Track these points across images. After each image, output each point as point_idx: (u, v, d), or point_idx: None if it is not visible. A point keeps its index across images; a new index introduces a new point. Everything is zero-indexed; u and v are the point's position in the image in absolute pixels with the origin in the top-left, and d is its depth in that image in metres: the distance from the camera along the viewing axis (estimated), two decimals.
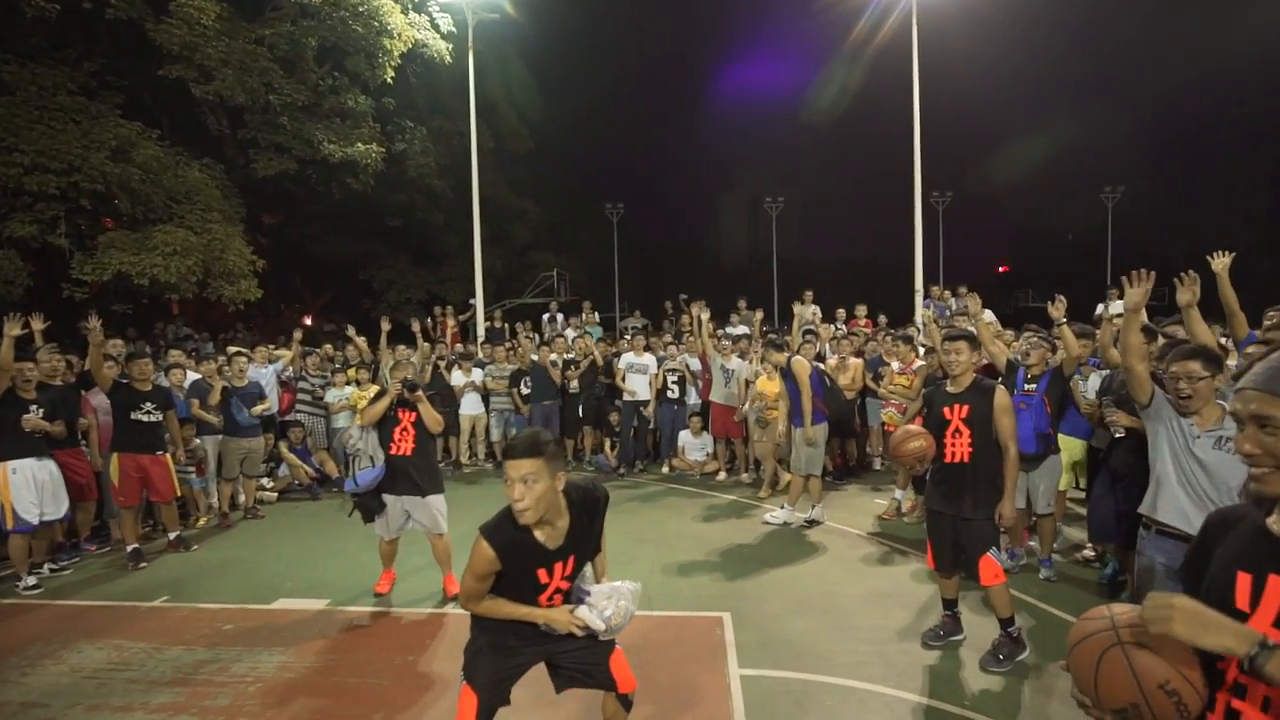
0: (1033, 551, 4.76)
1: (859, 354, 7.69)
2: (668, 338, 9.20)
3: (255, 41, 11.87)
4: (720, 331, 9.96)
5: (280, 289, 20.48)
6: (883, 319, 8.60)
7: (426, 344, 9.41)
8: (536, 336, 10.54)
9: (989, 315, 9.70)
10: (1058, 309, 4.39)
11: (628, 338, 9.02)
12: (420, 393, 4.29)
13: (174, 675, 3.56)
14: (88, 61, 11.15)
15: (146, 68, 11.68)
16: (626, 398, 8.15)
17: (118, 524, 5.64)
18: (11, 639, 4.09)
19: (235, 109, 12.57)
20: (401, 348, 8.15)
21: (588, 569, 2.28)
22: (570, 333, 11.00)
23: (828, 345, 7.91)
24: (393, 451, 4.28)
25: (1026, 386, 4.51)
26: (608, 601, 2.17)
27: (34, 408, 4.75)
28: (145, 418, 5.32)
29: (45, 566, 5.07)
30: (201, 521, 6.56)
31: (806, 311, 10.28)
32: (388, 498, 4.30)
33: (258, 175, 13.12)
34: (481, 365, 9.22)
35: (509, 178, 23.14)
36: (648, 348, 8.48)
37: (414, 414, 4.30)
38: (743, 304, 11.65)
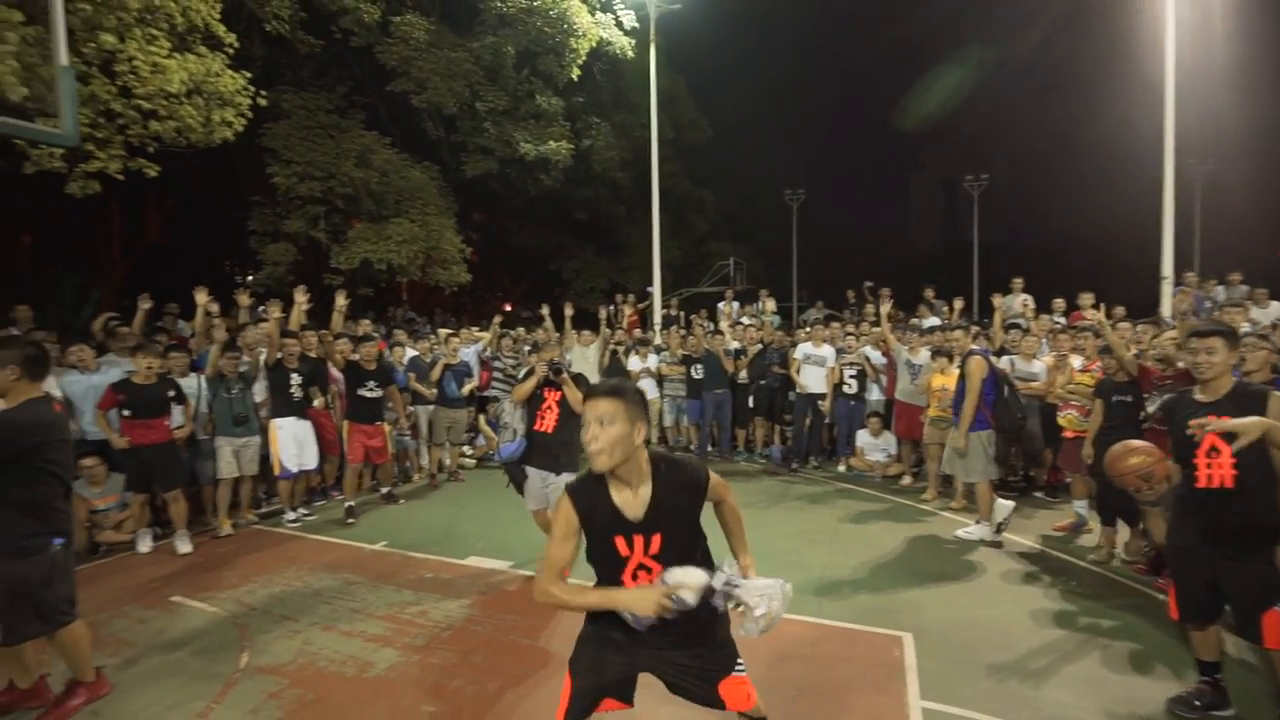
0: None
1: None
2: (848, 328, 8.64)
3: (462, 52, 13.22)
4: (913, 320, 9.16)
5: (486, 279, 22.82)
6: (1119, 310, 7.20)
7: (607, 330, 9.93)
8: (710, 324, 10.53)
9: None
10: None
11: (806, 329, 8.63)
12: (565, 374, 4.41)
13: (385, 611, 4.12)
14: (340, 85, 13.31)
15: (379, 85, 13.60)
16: (801, 390, 7.81)
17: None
18: (277, 560, 5.04)
19: (448, 116, 14.14)
20: (586, 333, 8.72)
21: (731, 563, 1.99)
22: (745, 320, 10.84)
23: (1043, 341, 6.87)
24: (536, 427, 4.46)
25: None
26: (760, 599, 1.87)
27: (295, 376, 5.78)
28: (368, 394, 6.12)
29: (299, 508, 6.13)
30: (415, 478, 7.56)
31: (1014, 303, 9.06)
32: (529, 469, 4.51)
33: (467, 176, 14.66)
34: (658, 351, 9.48)
35: (688, 168, 23.38)
36: (827, 339, 8.04)
37: (559, 394, 4.44)
38: (930, 293, 10.58)
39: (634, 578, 1.92)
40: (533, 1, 13.33)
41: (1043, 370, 6.21)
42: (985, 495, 5.23)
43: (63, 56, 4.69)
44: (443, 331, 9.21)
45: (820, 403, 7.72)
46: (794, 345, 8.26)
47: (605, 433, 1.80)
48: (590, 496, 1.90)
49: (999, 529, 5.13)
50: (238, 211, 12.46)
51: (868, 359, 7.78)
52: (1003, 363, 6.14)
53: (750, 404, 8.45)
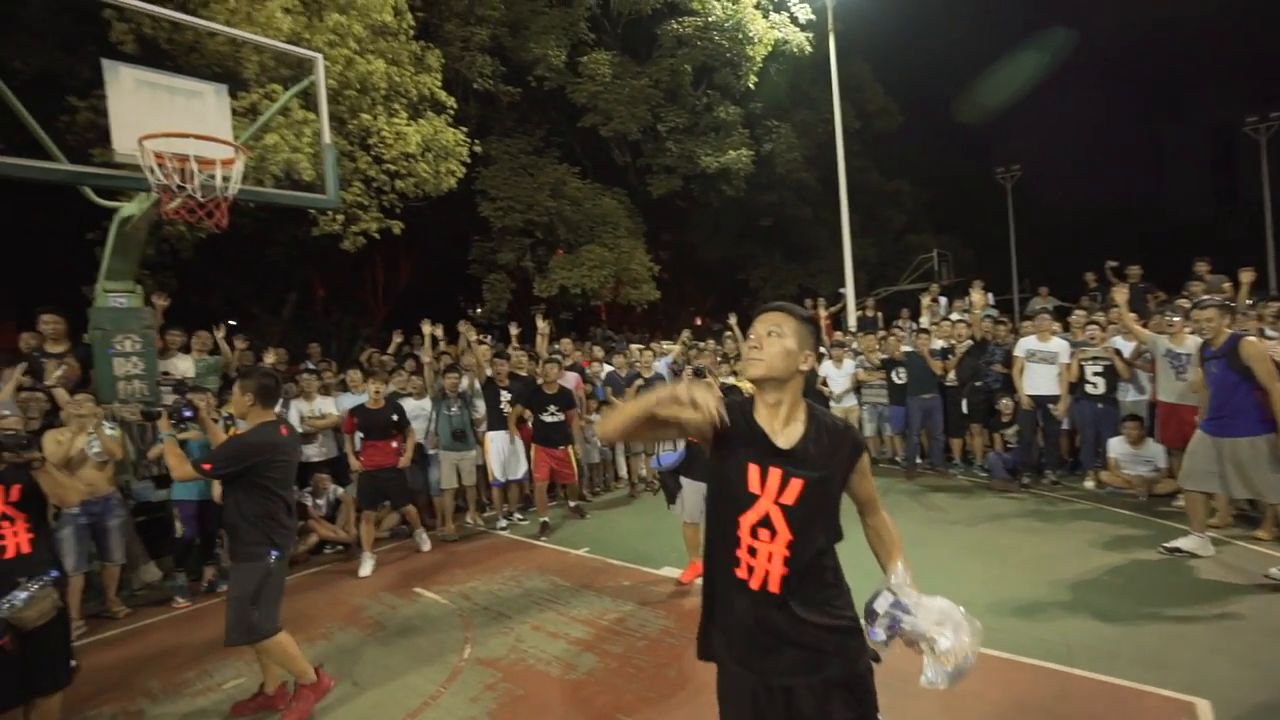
0: None
1: None
2: (1094, 316, 7.29)
3: (644, 80, 13.79)
4: (1180, 301, 7.47)
5: (677, 294, 23.48)
6: None
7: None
8: (913, 324, 9.64)
9: None
10: None
11: (1030, 320, 7.47)
12: (711, 381, 4.32)
13: (587, 615, 4.30)
14: (538, 129, 14.67)
15: (572, 123, 14.72)
16: (1028, 391, 6.75)
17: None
18: (496, 561, 5.55)
19: (633, 142, 14.82)
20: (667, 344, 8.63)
21: (901, 571, 1.70)
22: (955, 316, 9.74)
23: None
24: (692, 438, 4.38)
25: None
26: (940, 629, 1.46)
27: (505, 394, 6.38)
28: (549, 418, 6.36)
29: (514, 516, 6.67)
30: (614, 487, 7.92)
31: None
32: (686, 481, 4.38)
33: (653, 196, 15.21)
34: (854, 356, 8.91)
35: (879, 160, 21.83)
36: (1057, 330, 6.87)
37: None
38: (1203, 266, 8.45)
39: (753, 534, 1.64)
40: (708, 18, 13.51)
41: None
42: None
43: (326, 137, 5.77)
44: (634, 347, 9.58)
45: (1052, 406, 6.59)
46: (1014, 341, 7.19)
47: (771, 343, 1.66)
48: (733, 415, 1.68)
49: None
50: (463, 252, 14.29)
51: (1118, 352, 6.50)
52: None
53: (964, 409, 7.51)
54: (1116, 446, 6.40)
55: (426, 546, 5.84)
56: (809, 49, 14.45)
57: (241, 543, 3.16)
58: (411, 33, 10.19)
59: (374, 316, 17.93)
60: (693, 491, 4.39)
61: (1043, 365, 6.66)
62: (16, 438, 2.61)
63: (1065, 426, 6.84)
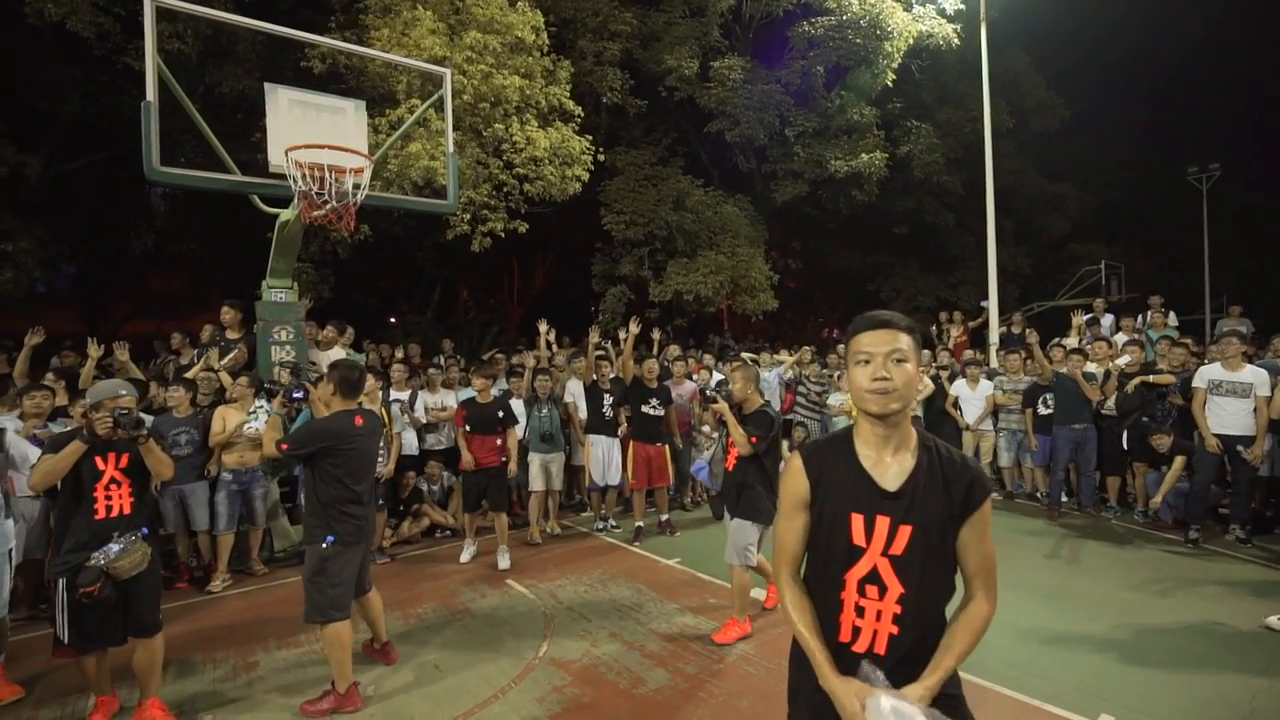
0: None
1: None
2: None
3: (773, 84, 13.44)
4: None
5: (806, 305, 22.67)
6: None
7: (926, 352, 8.84)
8: (1061, 344, 8.52)
9: None
10: None
11: (1217, 345, 6.31)
12: (722, 404, 4.05)
13: (666, 629, 4.18)
14: (664, 139, 14.77)
15: (699, 130, 14.68)
16: (1215, 430, 5.67)
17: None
18: (587, 562, 5.59)
19: (759, 147, 14.48)
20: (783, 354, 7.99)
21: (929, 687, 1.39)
22: (1120, 337, 8.50)
23: None
24: (725, 463, 4.14)
25: None
26: None
27: (608, 397, 6.42)
28: (651, 411, 6.29)
29: (608, 521, 6.65)
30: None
31: None
32: (730, 520, 4.08)
33: (777, 203, 14.77)
34: (991, 376, 8.05)
35: (1038, 161, 19.66)
36: (1251, 357, 5.75)
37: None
38: None
39: (860, 591, 1.44)
40: (842, 16, 12.91)
41: None
42: None
43: (450, 146, 6.17)
44: (746, 355, 9.31)
45: (1243, 448, 5.49)
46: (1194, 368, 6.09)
47: (899, 371, 1.42)
48: (828, 456, 1.51)
49: None
50: (593, 261, 14.77)
51: None
52: None
53: (1124, 444, 6.48)
54: None
55: (505, 564, 5.46)
56: (957, 42, 13.34)
57: (308, 524, 3.42)
58: (546, 48, 10.67)
59: (510, 318, 19.05)
60: (738, 532, 3.95)
61: (1231, 399, 5.58)
62: (130, 416, 2.94)
63: (1264, 473, 5.69)
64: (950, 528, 1.43)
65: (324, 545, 3.27)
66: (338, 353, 6.80)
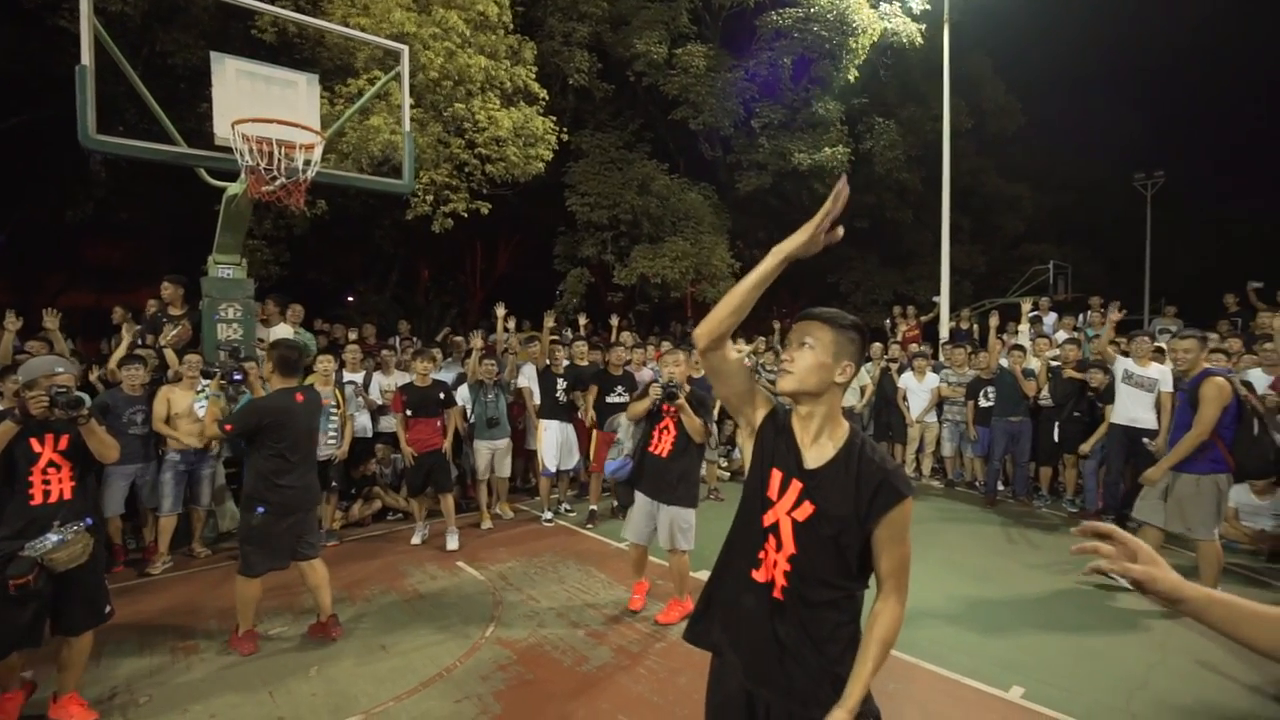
0: None
1: None
2: (1226, 344, 6.41)
3: (738, 72, 13.49)
4: None
5: (769, 295, 22.94)
6: None
7: (878, 345, 9.09)
8: (1006, 338, 8.88)
9: None
10: None
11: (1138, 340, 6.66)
12: (683, 399, 3.93)
13: (612, 609, 4.28)
14: (631, 123, 14.71)
15: (665, 117, 14.65)
16: (1116, 420, 6.04)
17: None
18: (539, 544, 5.65)
19: (725, 136, 14.55)
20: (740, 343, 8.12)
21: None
22: (1061, 335, 8.89)
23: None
24: (650, 448, 4.05)
25: None
26: None
27: (561, 381, 6.45)
28: (616, 398, 6.34)
29: (561, 506, 6.71)
30: None
31: None
32: (638, 494, 4.09)
33: (741, 193, 14.89)
34: (937, 369, 8.37)
35: (997, 161, 20.23)
36: (1161, 355, 6.10)
37: (679, 415, 4.02)
38: None
39: (765, 537, 1.61)
40: (810, 9, 13.00)
41: None
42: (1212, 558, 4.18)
43: (406, 125, 6.06)
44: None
45: (1148, 440, 5.83)
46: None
47: (803, 355, 1.59)
48: (782, 418, 1.68)
49: None
50: (552, 242, 14.67)
51: (1248, 386, 5.66)
52: None
53: (1056, 436, 6.82)
54: (1238, 495, 5.60)
55: (454, 545, 5.51)
56: (920, 41, 13.59)
57: (244, 494, 3.60)
58: (510, 26, 10.50)
59: (472, 300, 18.81)
60: (643, 506, 4.05)
61: (1137, 390, 5.91)
62: (68, 395, 2.79)
63: None
64: (853, 524, 1.51)
65: (255, 514, 3.51)
66: (284, 330, 6.66)
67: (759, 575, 1.62)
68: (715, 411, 6.16)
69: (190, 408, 5.22)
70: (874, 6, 13.36)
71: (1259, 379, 5.72)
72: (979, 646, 3.75)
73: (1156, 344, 6.34)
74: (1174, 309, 10.16)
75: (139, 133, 7.08)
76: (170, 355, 5.75)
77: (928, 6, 13.39)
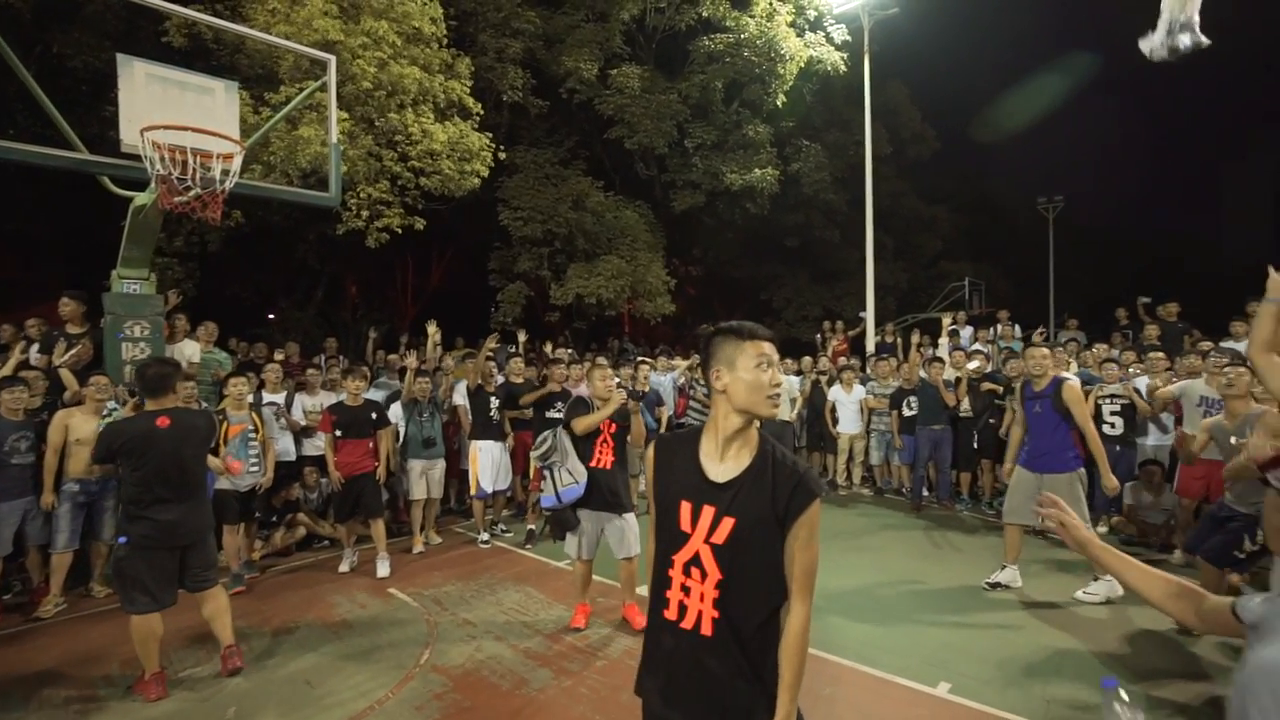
0: None
1: None
2: (1122, 354, 7.00)
3: (672, 94, 13.80)
4: (1224, 344, 7.07)
5: (705, 311, 23.37)
6: None
7: (808, 358, 9.41)
8: (930, 352, 9.36)
9: None
10: None
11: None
12: (639, 404, 4.20)
13: (552, 630, 4.20)
14: (566, 140, 14.77)
15: (600, 135, 14.79)
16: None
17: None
18: (476, 567, 5.49)
19: (659, 156, 14.82)
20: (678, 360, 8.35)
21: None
22: (978, 346, 9.45)
23: None
24: (592, 464, 4.09)
25: None
26: None
27: (494, 400, 6.32)
28: (555, 414, 6.01)
29: (497, 526, 6.53)
30: None
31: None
32: (583, 513, 4.12)
33: (676, 212, 15.17)
34: (864, 382, 8.71)
35: (916, 185, 21.45)
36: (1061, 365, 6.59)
37: (615, 425, 4.13)
38: (1256, 307, 7.92)
39: (686, 573, 1.56)
40: (740, 35, 13.47)
41: None
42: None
43: (334, 137, 5.87)
44: (639, 359, 9.49)
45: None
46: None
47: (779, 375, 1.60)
48: (673, 449, 1.66)
49: None
50: (487, 257, 14.45)
51: (1138, 392, 6.18)
52: None
53: (974, 444, 7.23)
54: (1134, 495, 6.07)
55: (385, 572, 5.28)
56: (844, 69, 14.30)
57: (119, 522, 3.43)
58: (445, 40, 10.38)
59: (403, 317, 18.24)
60: (593, 524, 4.13)
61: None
62: None
63: None
64: (775, 527, 1.52)
65: (119, 544, 3.32)
66: (191, 348, 6.27)
67: (678, 616, 1.59)
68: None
69: (94, 433, 4.82)
70: (800, 35, 13.98)
71: (1145, 385, 6.24)
72: (908, 646, 3.89)
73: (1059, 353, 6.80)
74: (1075, 321, 10.98)
75: (32, 136, 6.58)
76: (67, 376, 5.31)
77: (849, 38, 14.13)
